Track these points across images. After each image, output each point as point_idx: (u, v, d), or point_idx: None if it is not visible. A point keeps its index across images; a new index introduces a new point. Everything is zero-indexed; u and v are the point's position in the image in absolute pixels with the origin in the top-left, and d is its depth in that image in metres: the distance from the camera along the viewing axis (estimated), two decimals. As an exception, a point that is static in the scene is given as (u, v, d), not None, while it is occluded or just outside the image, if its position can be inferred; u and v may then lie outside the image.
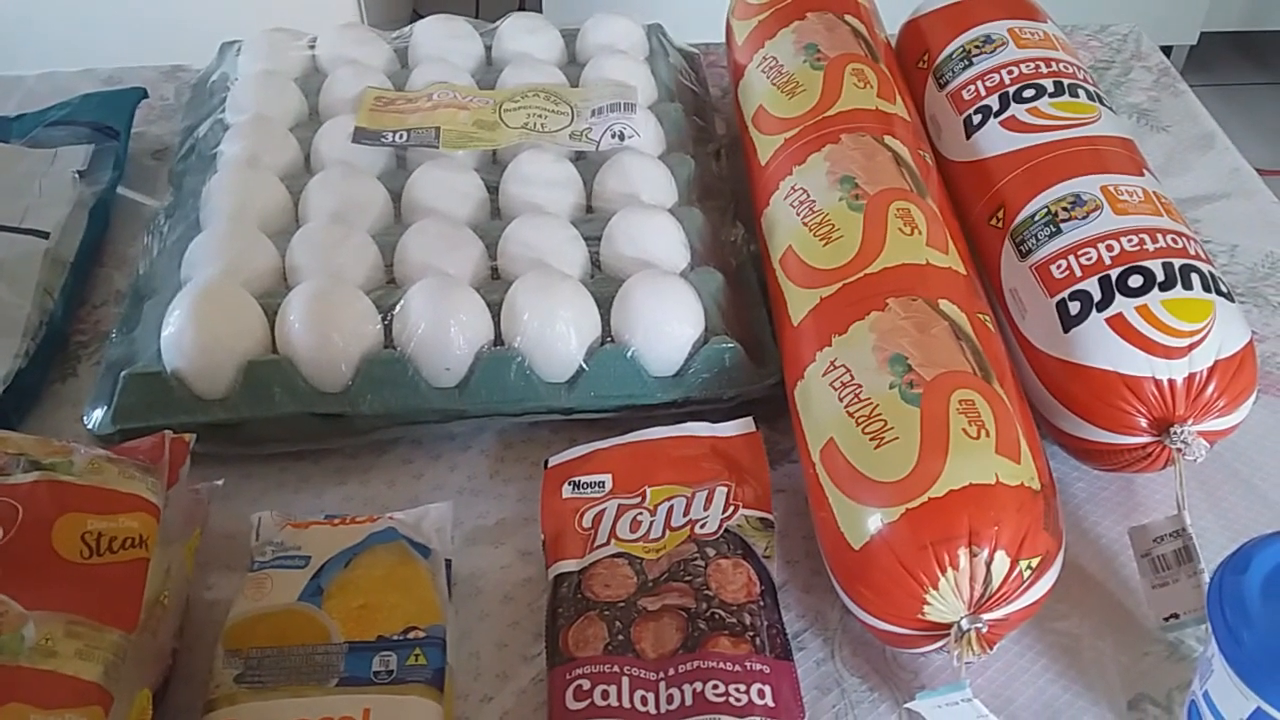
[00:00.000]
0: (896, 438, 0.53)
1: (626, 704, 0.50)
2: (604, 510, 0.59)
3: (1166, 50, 1.00)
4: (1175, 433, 0.57)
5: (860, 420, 0.54)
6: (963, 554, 0.50)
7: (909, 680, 0.55)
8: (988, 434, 0.52)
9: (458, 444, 0.65)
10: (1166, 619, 0.57)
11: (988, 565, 0.50)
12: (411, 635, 0.51)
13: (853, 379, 0.56)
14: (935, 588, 0.50)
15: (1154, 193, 0.64)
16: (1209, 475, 0.64)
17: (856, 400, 0.55)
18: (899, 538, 0.51)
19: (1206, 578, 0.55)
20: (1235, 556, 0.47)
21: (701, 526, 0.57)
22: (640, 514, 0.58)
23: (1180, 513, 0.57)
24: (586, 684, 0.50)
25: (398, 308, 0.63)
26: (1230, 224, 0.80)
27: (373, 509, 0.61)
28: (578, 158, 0.75)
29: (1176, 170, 0.84)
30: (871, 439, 0.54)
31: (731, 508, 0.58)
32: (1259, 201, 0.82)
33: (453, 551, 0.58)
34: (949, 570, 0.50)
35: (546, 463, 0.62)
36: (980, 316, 0.59)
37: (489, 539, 0.61)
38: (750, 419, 0.62)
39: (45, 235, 0.72)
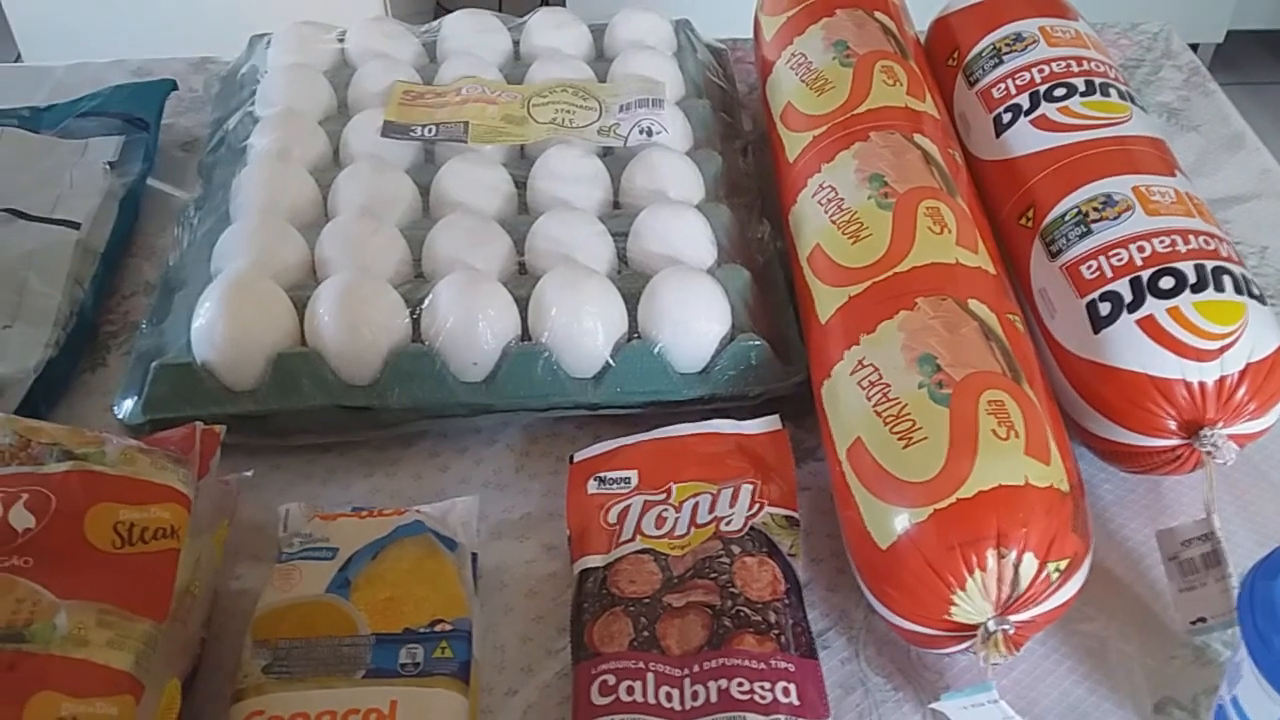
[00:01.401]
0: (925, 438, 0.53)
1: (651, 700, 0.50)
2: (629, 506, 0.59)
3: (1193, 48, 0.99)
4: (1205, 436, 0.57)
5: (888, 420, 0.54)
6: (991, 555, 0.50)
7: (934, 680, 0.55)
8: (1017, 435, 0.52)
9: (483, 438, 0.66)
10: (1193, 623, 0.56)
11: (1016, 567, 0.50)
12: (438, 628, 0.52)
13: (881, 378, 0.56)
14: (963, 589, 0.50)
15: (1185, 193, 0.64)
16: (1238, 479, 0.63)
17: (885, 400, 0.55)
18: (927, 538, 0.51)
19: (1234, 582, 0.55)
20: (1266, 561, 0.47)
21: (727, 524, 0.57)
22: (665, 510, 0.58)
23: (1209, 516, 0.57)
24: (612, 679, 0.51)
25: (426, 302, 0.63)
26: (1261, 225, 0.79)
27: (399, 501, 0.61)
28: (605, 153, 0.75)
29: (1207, 170, 0.83)
30: (900, 439, 0.53)
31: (757, 505, 0.58)
32: (1291, 202, 0.82)
33: (478, 545, 0.59)
34: (977, 571, 0.50)
35: (572, 458, 0.62)
36: (1010, 317, 0.59)
37: (514, 533, 0.61)
38: (776, 416, 0.62)
39: (76, 226, 0.73)
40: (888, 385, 0.56)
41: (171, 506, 0.49)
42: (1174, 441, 0.58)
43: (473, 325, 0.62)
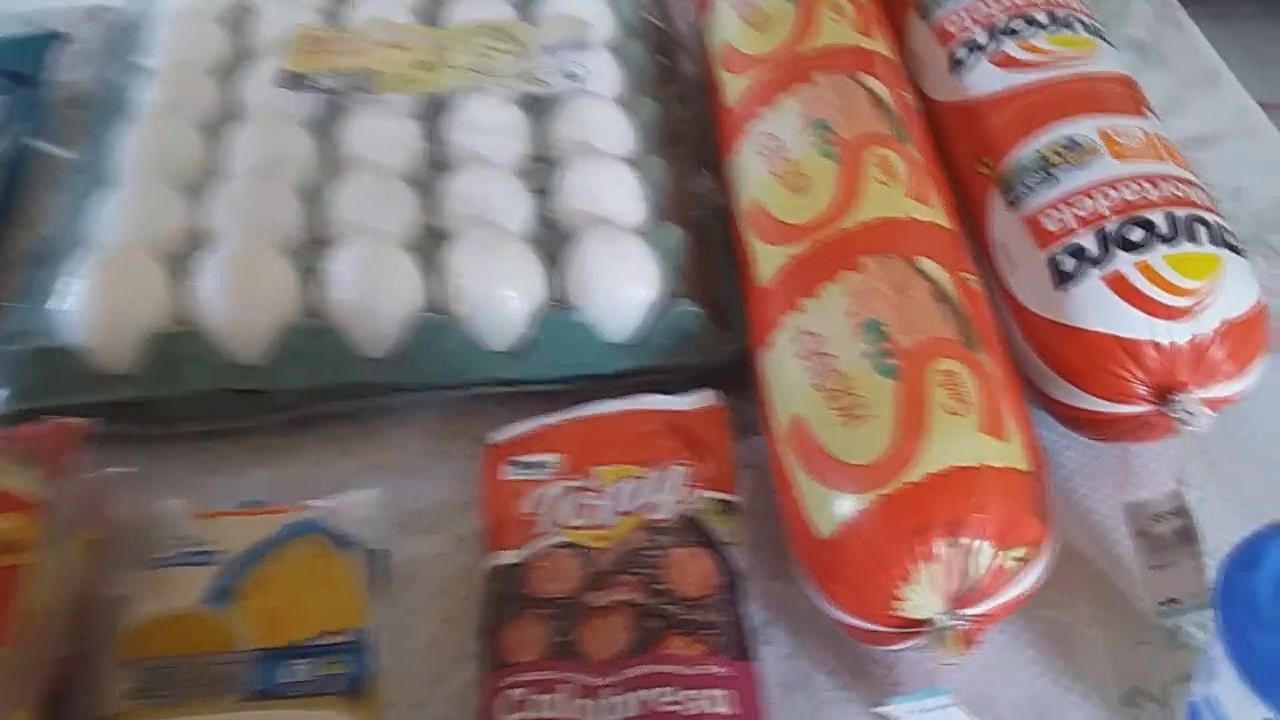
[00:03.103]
0: (869, 414, 0.47)
1: (564, 715, 0.45)
2: (549, 493, 0.53)
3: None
4: (1176, 401, 0.52)
5: (829, 395, 0.49)
6: (941, 545, 0.45)
7: (883, 677, 0.51)
8: (971, 409, 0.47)
9: (393, 419, 0.60)
10: (1164, 604, 0.52)
11: (969, 557, 0.45)
12: (327, 640, 0.46)
13: (822, 348, 0.51)
14: (910, 582, 0.45)
15: (1155, 135, 0.58)
16: (1213, 444, 0.58)
17: (826, 372, 0.50)
18: (871, 526, 0.46)
19: (1208, 560, 0.50)
20: (1243, 551, 0.42)
21: (656, 512, 0.52)
22: (589, 497, 0.53)
23: (1180, 488, 0.52)
24: (520, 693, 0.45)
25: (323, 271, 0.57)
26: (1235, 166, 0.74)
27: (298, 492, 0.55)
28: (529, 102, 0.68)
29: (1178, 109, 0.77)
30: (841, 416, 0.48)
31: (689, 490, 0.53)
32: (1266, 141, 0.76)
33: (383, 541, 0.53)
34: (925, 563, 0.45)
35: (487, 440, 0.57)
36: (965, 275, 0.54)
37: (425, 525, 0.56)
38: (711, 391, 0.57)
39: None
40: (829, 356, 0.50)
41: (12, 516, 0.43)
42: (1143, 408, 0.53)
43: (375, 296, 0.56)
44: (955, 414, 0.47)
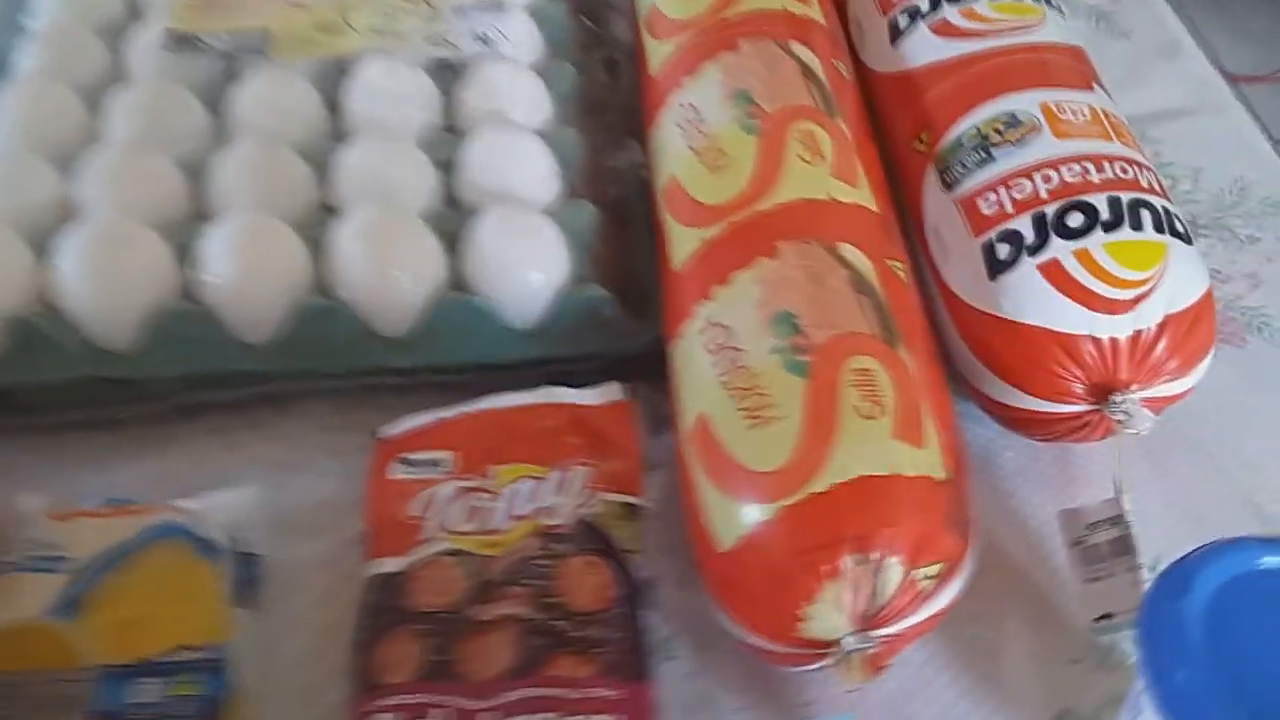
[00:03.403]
0: (777, 416, 0.43)
1: (436, 745, 0.41)
2: (440, 495, 0.49)
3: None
4: (1116, 401, 0.48)
5: (736, 393, 0.45)
6: (847, 562, 0.41)
7: (794, 697, 0.47)
8: (885, 412, 0.43)
9: (280, 410, 0.56)
10: (1098, 620, 0.48)
11: (877, 575, 0.41)
12: (183, 656, 0.42)
13: (731, 341, 0.47)
14: (813, 601, 0.41)
15: (1103, 111, 0.54)
16: (1158, 444, 0.54)
17: (733, 368, 0.46)
18: (774, 540, 0.42)
19: (1146, 575, 0.47)
20: (1173, 573, 0.38)
21: (553, 516, 0.48)
22: (483, 500, 0.49)
23: (1118, 496, 0.48)
24: (388, 719, 0.42)
25: (202, 249, 0.52)
26: (1196, 144, 0.70)
27: (174, 489, 0.51)
28: (438, 68, 0.63)
29: (1136, 83, 0.73)
30: (747, 417, 0.44)
31: (591, 492, 0.49)
32: (1230, 118, 0.72)
33: (258, 544, 0.49)
34: (830, 581, 0.41)
35: (377, 434, 0.52)
36: (891, 264, 0.49)
37: (309, 526, 0.52)
38: (617, 385, 0.52)
39: None
40: (738, 350, 0.46)
41: None
42: (1080, 407, 0.49)
43: (256, 278, 0.52)
44: (868, 417, 0.43)
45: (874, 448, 0.42)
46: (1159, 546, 0.51)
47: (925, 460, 0.43)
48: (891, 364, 0.45)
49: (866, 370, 0.44)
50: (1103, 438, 0.51)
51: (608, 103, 0.66)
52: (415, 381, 0.55)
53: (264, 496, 0.51)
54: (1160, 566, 0.50)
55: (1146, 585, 0.46)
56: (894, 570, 0.41)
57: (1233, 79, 0.76)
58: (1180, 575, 0.37)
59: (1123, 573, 0.48)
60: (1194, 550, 0.38)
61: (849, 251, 0.48)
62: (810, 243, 0.48)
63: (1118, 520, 0.48)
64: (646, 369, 0.54)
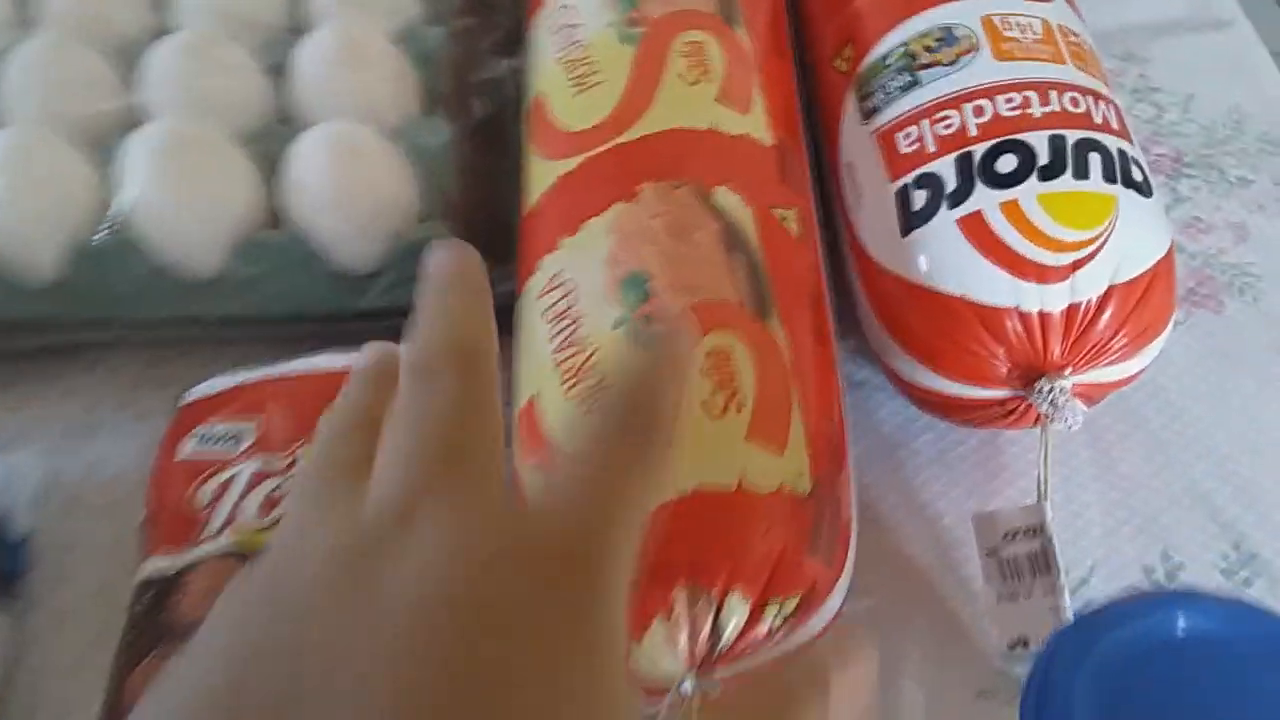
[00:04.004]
0: (610, 407, 0.35)
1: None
2: (238, 477, 0.42)
3: None
4: (1042, 389, 0.40)
5: (570, 374, 0.37)
6: (680, 595, 0.33)
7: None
8: (740, 407, 0.35)
9: (79, 361, 0.48)
10: (1012, 645, 0.40)
11: (718, 611, 0.33)
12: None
13: (573, 308, 0.38)
14: (640, 640, 0.34)
15: (1059, 27, 0.44)
16: (1104, 428, 0.47)
17: (569, 343, 0.37)
18: (595, 561, 0.34)
19: (1068, 599, 0.39)
20: (1070, 635, 0.30)
21: (359, 508, 0.40)
22: (285, 485, 0.41)
23: (1040, 503, 0.40)
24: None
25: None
26: (1189, 66, 0.60)
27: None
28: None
29: (1125, -10, 0.63)
30: (582, 407, 0.36)
31: (411, 478, 0.41)
32: (1233, 35, 0.62)
33: (29, 524, 0.42)
34: (661, 616, 0.33)
35: (181, 398, 0.45)
36: (778, 212, 0.41)
37: (96, 502, 0.44)
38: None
39: None
40: (578, 319, 0.38)
41: None
42: (1004, 392, 0.41)
43: (31, 208, 0.43)
44: (716, 414, 0.34)
45: (721, 453, 0.34)
46: (1096, 554, 0.43)
47: (785, 468, 0.34)
48: (758, 343, 0.36)
49: (723, 352, 0.35)
50: (1037, 425, 0.43)
51: (498, 4, 0.56)
52: (248, 335, 0.47)
53: (46, 466, 0.44)
54: (1093, 580, 0.43)
55: (1068, 610, 0.38)
56: (737, 606, 0.33)
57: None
58: (1077, 639, 0.29)
59: (1042, 594, 0.40)
60: (1098, 609, 0.30)
61: (724, 197, 0.39)
62: (680, 184, 0.39)
63: (1038, 530, 0.40)
64: (508, 325, 0.46)
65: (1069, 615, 0.39)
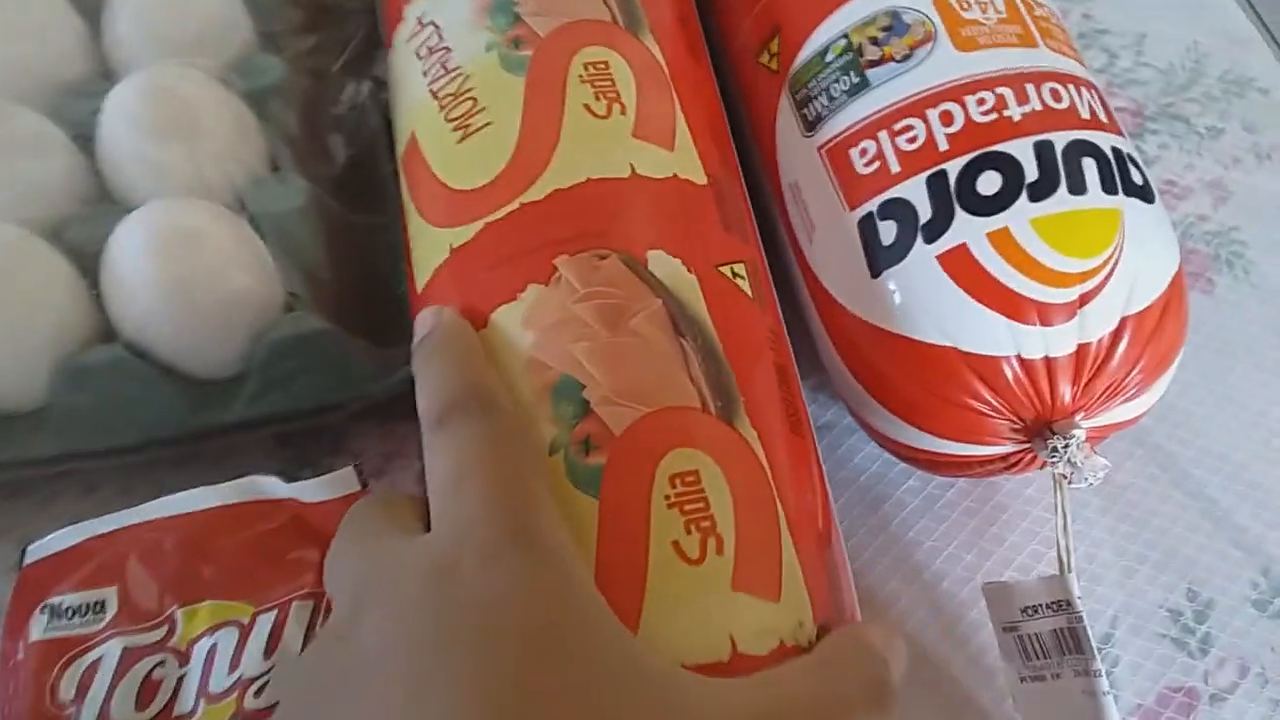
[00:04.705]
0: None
1: None
2: (100, 661, 0.34)
3: None
4: (1055, 445, 0.34)
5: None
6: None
7: None
8: (721, 549, 0.28)
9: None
10: (1042, 733, 0.35)
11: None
12: None
13: (493, 425, 0.31)
14: None
15: (1024, 1, 0.37)
16: (1106, 443, 0.41)
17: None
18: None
19: (1105, 682, 0.34)
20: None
21: (259, 693, 0.33)
22: (163, 666, 0.34)
23: (1065, 575, 0.35)
24: None
25: None
26: (1138, 1, 0.54)
27: None
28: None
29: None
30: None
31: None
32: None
33: None
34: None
35: (23, 557, 0.36)
36: (725, 270, 0.33)
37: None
38: (352, 470, 0.36)
39: None
40: (502, 442, 0.30)
41: None
42: (1005, 448, 0.35)
43: None
44: (693, 560, 0.28)
45: (710, 615, 0.27)
46: (1116, 601, 0.39)
47: (782, 620, 0.28)
48: (730, 456, 0.29)
49: (691, 475, 0.29)
50: (1044, 468, 0.37)
51: (341, 11, 0.47)
52: (93, 464, 0.38)
53: None
54: (1117, 634, 0.38)
55: (1105, 693, 0.33)
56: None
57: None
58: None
59: (1072, 675, 0.34)
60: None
61: (662, 264, 0.32)
62: (606, 255, 0.32)
63: (1064, 606, 0.34)
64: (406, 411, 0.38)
65: (1106, 698, 0.34)
